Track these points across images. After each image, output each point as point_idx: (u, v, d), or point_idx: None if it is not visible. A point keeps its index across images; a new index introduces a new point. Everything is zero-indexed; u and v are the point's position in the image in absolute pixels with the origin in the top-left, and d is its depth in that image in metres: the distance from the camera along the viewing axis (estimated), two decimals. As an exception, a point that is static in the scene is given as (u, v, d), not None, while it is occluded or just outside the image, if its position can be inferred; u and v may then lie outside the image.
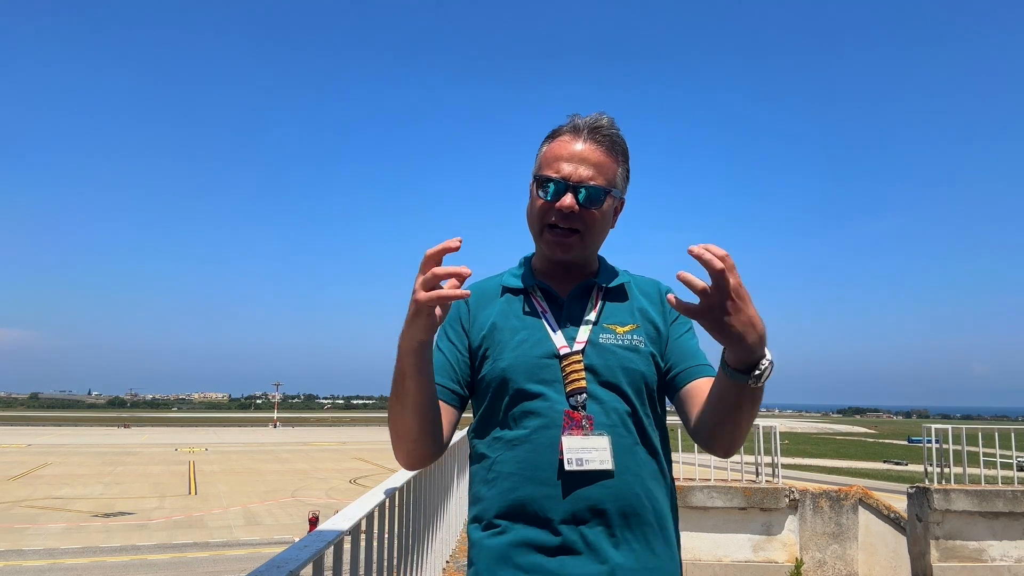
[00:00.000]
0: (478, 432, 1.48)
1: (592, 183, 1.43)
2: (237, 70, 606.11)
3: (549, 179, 1.44)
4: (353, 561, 1.78)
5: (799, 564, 7.90)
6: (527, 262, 1.60)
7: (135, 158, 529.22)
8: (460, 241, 1.19)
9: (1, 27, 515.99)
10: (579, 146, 1.45)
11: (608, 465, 1.35)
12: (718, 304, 1.14)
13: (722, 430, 1.35)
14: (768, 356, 1.20)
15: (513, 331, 1.46)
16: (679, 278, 1.15)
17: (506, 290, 1.56)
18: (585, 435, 1.36)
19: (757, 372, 1.20)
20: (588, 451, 1.35)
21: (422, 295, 1.21)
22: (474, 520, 1.45)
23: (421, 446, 1.38)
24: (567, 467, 1.34)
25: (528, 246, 1.61)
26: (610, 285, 1.54)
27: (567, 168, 1.43)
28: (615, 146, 1.48)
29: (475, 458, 1.49)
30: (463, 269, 1.20)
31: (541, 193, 1.45)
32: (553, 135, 1.50)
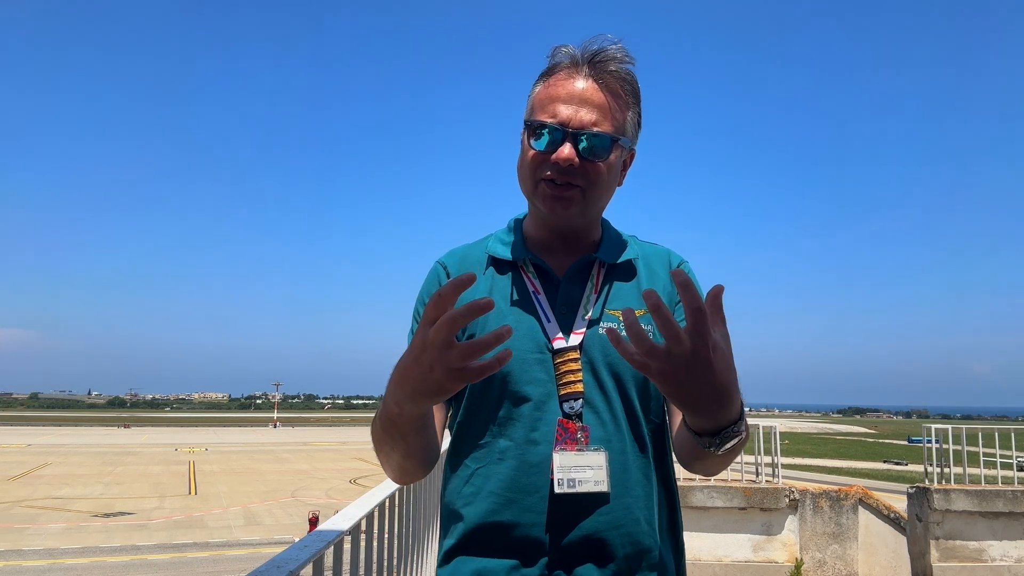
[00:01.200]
0: (458, 435, 1.25)
1: (596, 129, 1.15)
2: (235, 70, 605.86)
3: (543, 125, 1.16)
4: (353, 561, 1.78)
5: (799, 564, 7.89)
6: (518, 227, 1.33)
7: (135, 158, 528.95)
8: (474, 277, 0.88)
9: (4, 29, 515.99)
10: (580, 84, 1.16)
11: (603, 487, 1.13)
12: (680, 358, 0.83)
13: (694, 465, 1.17)
14: (741, 427, 0.97)
15: (499, 316, 1.21)
16: (624, 321, 0.86)
17: (492, 262, 1.29)
18: (580, 451, 1.14)
19: (717, 440, 0.97)
20: (582, 469, 1.13)
21: (453, 359, 0.86)
22: (447, 538, 1.23)
23: (414, 472, 1.19)
24: (557, 489, 1.12)
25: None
26: (615, 261, 1.27)
27: (565, 111, 1.15)
28: (624, 84, 1.19)
29: (452, 460, 1.27)
30: (485, 302, 0.85)
31: (534, 142, 1.17)
32: (549, 71, 1.21)
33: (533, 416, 1.17)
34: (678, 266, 1.30)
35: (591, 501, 1.14)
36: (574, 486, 1.12)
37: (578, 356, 1.19)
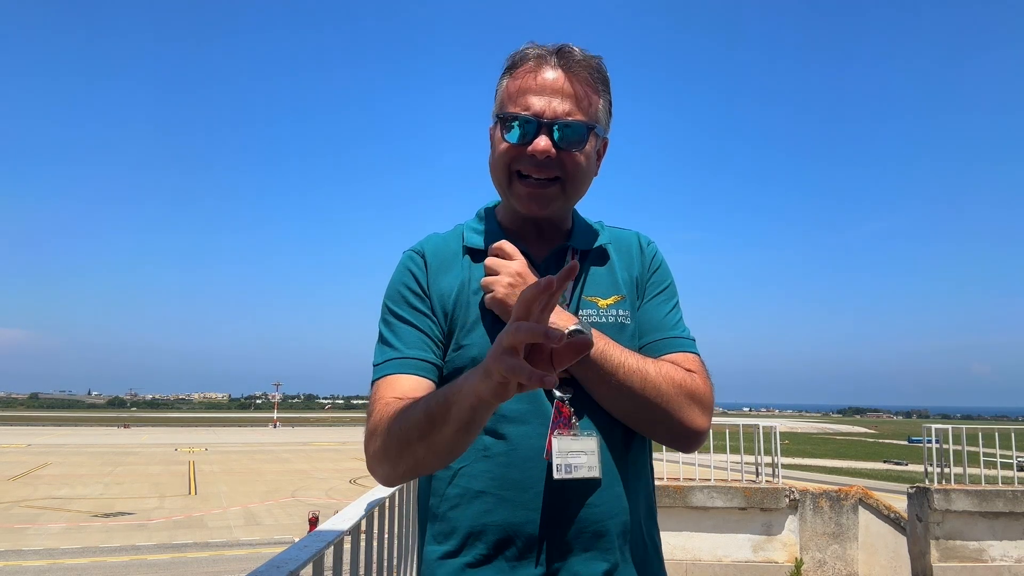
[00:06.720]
0: None
1: (570, 118, 1.12)
2: (232, 72, 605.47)
3: (515, 117, 1.12)
4: (353, 561, 1.78)
5: (799, 564, 7.89)
6: (490, 216, 1.30)
7: (133, 158, 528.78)
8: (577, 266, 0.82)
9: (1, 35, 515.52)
10: (550, 74, 1.13)
11: (595, 472, 1.12)
12: None
13: (627, 422, 1.16)
14: (569, 327, 1.04)
15: (480, 308, 1.18)
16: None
17: (468, 251, 1.24)
18: (575, 435, 1.12)
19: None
20: (576, 455, 1.12)
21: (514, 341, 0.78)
22: (435, 542, 1.17)
23: (462, 446, 1.04)
24: (556, 474, 1.10)
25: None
26: (589, 248, 1.26)
27: (538, 103, 1.12)
28: (594, 72, 1.16)
29: None
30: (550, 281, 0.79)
31: (506, 135, 1.14)
32: (515, 64, 1.17)
33: (523, 410, 1.13)
34: (647, 246, 1.31)
35: (584, 490, 1.12)
36: (570, 471, 1.10)
37: None
